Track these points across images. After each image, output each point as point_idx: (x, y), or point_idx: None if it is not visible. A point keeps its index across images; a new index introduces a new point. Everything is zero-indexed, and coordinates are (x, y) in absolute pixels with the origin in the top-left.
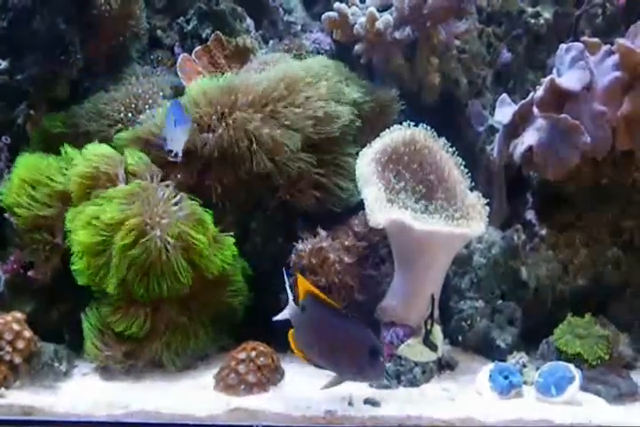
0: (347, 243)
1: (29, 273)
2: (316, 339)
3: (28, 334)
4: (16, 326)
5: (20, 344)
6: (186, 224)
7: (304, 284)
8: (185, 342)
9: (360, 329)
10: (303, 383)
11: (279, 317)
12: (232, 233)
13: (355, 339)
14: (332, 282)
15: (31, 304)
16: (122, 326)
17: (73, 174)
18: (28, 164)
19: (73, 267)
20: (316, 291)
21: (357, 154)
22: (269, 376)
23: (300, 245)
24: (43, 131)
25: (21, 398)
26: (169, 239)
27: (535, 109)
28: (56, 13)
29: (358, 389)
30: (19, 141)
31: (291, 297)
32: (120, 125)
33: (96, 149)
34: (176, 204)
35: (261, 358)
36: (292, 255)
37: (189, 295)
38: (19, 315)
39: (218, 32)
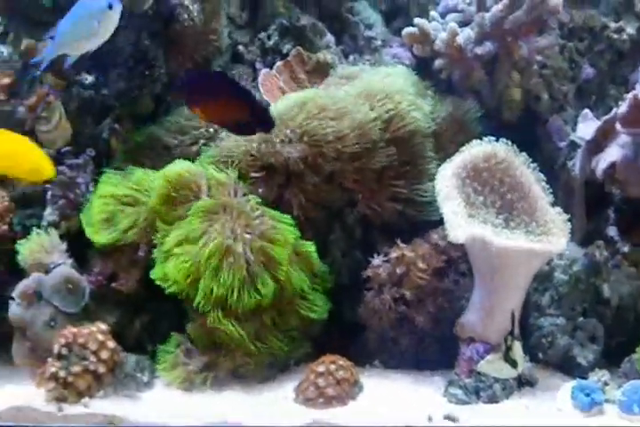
0: (427, 255)
1: (113, 284)
2: None
3: (111, 344)
4: (100, 337)
5: (104, 355)
6: (266, 239)
7: None
8: (265, 353)
9: None
10: (382, 398)
11: None
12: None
13: None
14: (414, 294)
15: (114, 315)
16: (208, 340)
17: (155, 194)
18: (110, 181)
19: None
20: None
21: (435, 161)
22: (348, 390)
23: (378, 259)
24: (128, 144)
25: (104, 407)
26: (250, 255)
27: (618, 125)
28: (140, 29)
29: (438, 405)
30: (104, 155)
31: None
32: (201, 141)
33: (176, 167)
34: (257, 217)
35: (340, 372)
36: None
37: (269, 307)
38: (103, 326)
39: (299, 47)
